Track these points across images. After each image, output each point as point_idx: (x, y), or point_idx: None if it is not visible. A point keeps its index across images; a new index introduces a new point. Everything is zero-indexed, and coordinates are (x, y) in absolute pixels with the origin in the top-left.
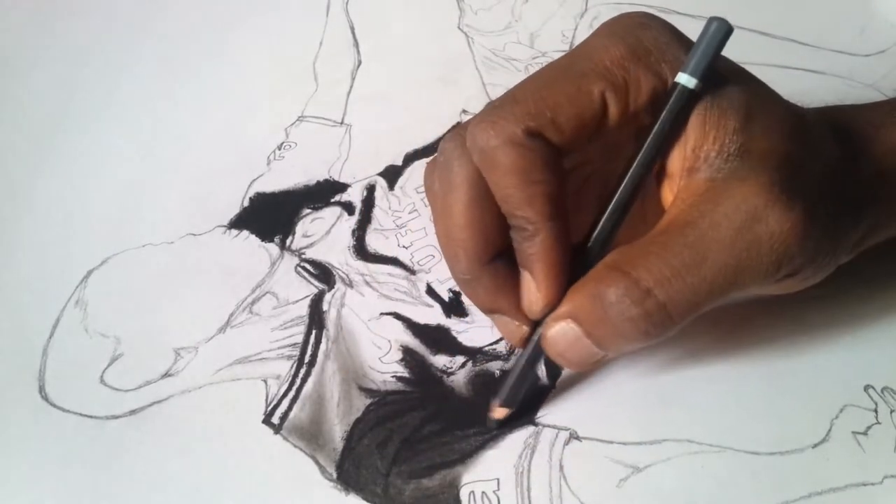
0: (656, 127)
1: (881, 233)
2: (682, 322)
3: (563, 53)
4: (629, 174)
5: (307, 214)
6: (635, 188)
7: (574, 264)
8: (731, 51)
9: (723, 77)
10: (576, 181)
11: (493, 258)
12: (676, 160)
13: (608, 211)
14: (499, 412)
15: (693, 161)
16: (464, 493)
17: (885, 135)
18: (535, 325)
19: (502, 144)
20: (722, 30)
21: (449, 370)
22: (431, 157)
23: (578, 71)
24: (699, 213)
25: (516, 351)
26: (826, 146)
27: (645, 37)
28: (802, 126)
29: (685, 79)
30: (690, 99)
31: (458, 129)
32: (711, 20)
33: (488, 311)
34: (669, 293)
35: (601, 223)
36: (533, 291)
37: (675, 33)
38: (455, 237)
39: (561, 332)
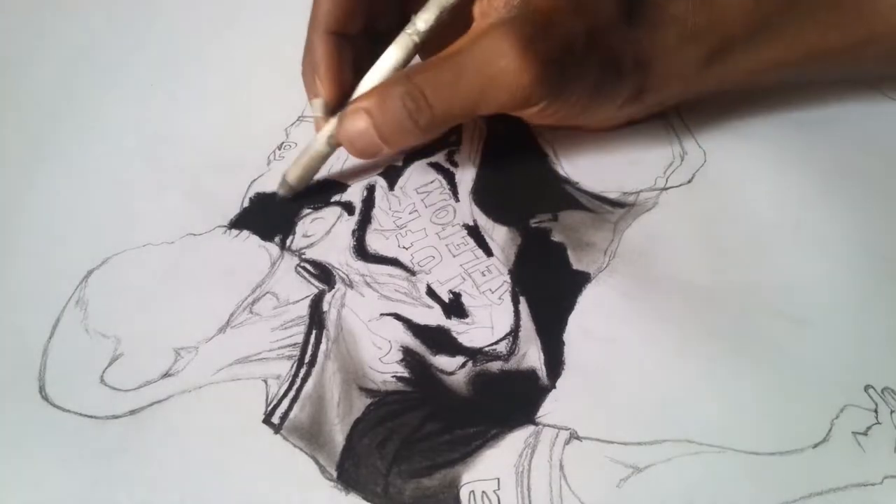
0: None
1: (655, 94)
2: (444, 124)
3: None
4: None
5: (307, 214)
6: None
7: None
8: None
9: None
10: None
11: (337, 33)
12: (476, 7)
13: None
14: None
15: (486, 8)
16: (464, 493)
17: (671, 5)
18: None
19: None
20: None
21: (449, 370)
22: None
23: None
24: (468, 43)
25: (314, 135)
26: (602, 5)
27: None
28: None
29: None
30: None
31: None
32: None
33: (309, 88)
34: (435, 98)
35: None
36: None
37: None
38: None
39: (352, 120)
